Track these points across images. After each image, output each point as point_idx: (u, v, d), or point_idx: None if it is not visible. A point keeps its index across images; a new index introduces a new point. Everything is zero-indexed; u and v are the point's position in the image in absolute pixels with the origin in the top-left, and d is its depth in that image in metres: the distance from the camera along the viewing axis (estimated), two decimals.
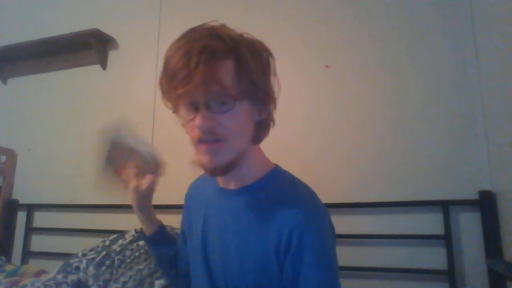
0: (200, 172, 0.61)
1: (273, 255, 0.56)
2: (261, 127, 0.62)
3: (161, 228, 0.82)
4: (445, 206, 1.24)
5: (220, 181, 0.68)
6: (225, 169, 0.59)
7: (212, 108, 0.55)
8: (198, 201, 0.74)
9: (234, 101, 0.55)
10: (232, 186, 0.65)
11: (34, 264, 1.73)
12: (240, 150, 0.59)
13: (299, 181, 0.66)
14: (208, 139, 0.56)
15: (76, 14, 2.04)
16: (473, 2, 1.30)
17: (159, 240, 0.81)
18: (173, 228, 1.49)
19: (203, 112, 0.54)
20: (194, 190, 0.80)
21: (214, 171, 0.59)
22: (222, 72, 0.53)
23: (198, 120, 0.54)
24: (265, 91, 0.59)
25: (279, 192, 0.62)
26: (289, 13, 1.59)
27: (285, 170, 0.68)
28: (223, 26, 0.58)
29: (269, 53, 0.61)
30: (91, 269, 1.26)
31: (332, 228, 0.62)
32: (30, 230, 1.90)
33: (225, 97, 0.54)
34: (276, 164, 0.69)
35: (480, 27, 1.27)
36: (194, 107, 0.55)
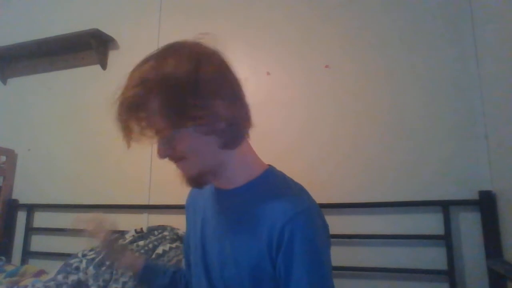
0: None
1: (266, 252, 0.57)
2: (227, 136, 0.60)
3: (147, 260, 0.86)
4: (445, 206, 1.24)
5: (216, 183, 0.69)
6: (198, 181, 0.62)
7: (161, 140, 0.59)
8: (197, 206, 0.76)
9: (166, 138, 0.57)
10: (226, 186, 0.66)
11: (34, 264, 1.73)
12: (208, 164, 0.61)
13: (292, 180, 0.67)
14: (172, 161, 0.61)
15: (76, 14, 2.04)
16: (473, 2, 1.30)
17: (152, 270, 0.83)
18: (173, 228, 1.49)
19: (157, 144, 0.60)
20: (192, 197, 0.81)
21: (188, 184, 0.63)
22: (147, 116, 0.56)
23: (156, 151, 0.60)
24: (199, 116, 0.55)
25: (271, 191, 0.62)
26: (289, 13, 1.59)
27: (278, 171, 0.69)
28: (146, 66, 0.56)
29: (201, 70, 0.55)
30: (91, 269, 1.26)
31: (325, 226, 0.62)
32: (30, 230, 1.90)
33: (158, 136, 0.58)
34: (270, 165, 0.69)
35: (480, 27, 1.27)
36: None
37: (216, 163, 0.62)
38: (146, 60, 0.57)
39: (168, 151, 0.59)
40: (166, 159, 0.61)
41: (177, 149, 0.59)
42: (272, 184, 0.64)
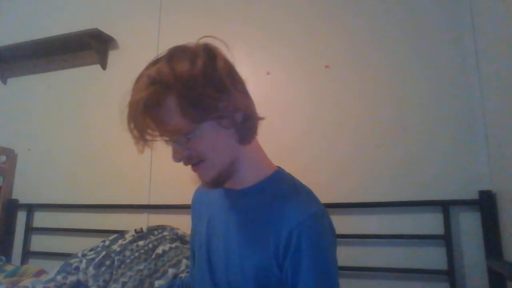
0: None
1: (272, 255, 0.57)
2: (241, 130, 0.60)
3: None
4: (445, 206, 1.24)
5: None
6: (217, 182, 0.62)
7: (179, 140, 0.57)
8: (204, 204, 0.75)
9: (187, 135, 0.56)
10: (235, 186, 0.66)
11: (34, 264, 1.73)
12: (225, 162, 0.60)
13: (300, 183, 0.66)
14: (188, 164, 0.60)
15: (76, 14, 2.04)
16: (473, 2, 1.30)
17: None
18: (173, 228, 1.49)
19: (172, 146, 0.59)
20: (199, 195, 0.81)
21: (208, 186, 0.62)
22: (164, 114, 0.54)
23: (171, 154, 0.59)
24: (220, 107, 0.55)
25: (280, 194, 0.62)
26: (289, 13, 1.59)
27: (287, 173, 0.68)
28: (158, 65, 0.55)
29: (216, 64, 0.56)
30: (91, 269, 1.26)
31: (332, 230, 0.62)
32: (30, 230, 1.90)
33: (177, 133, 0.56)
34: (279, 167, 0.69)
35: (480, 27, 1.27)
36: (167, 140, 0.58)
37: (232, 160, 0.61)
38: (155, 62, 0.56)
39: (185, 152, 0.58)
40: (179, 163, 0.60)
41: (195, 149, 0.57)
42: (281, 187, 0.63)
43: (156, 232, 1.44)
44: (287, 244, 0.55)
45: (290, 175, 0.68)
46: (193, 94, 0.53)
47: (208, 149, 0.58)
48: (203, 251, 0.69)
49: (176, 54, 0.56)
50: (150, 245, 1.33)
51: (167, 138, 0.57)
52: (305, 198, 0.62)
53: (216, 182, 0.61)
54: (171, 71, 0.53)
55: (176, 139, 0.57)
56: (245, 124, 0.60)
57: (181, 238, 1.43)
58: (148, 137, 0.56)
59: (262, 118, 0.64)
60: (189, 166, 0.61)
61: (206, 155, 0.58)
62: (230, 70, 0.58)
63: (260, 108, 0.60)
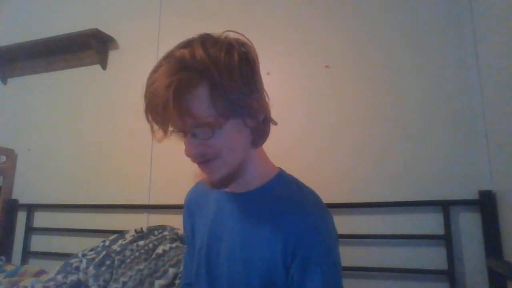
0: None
1: (279, 259, 0.56)
2: (258, 132, 0.59)
3: None
4: (445, 206, 1.24)
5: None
6: (225, 182, 0.59)
7: (198, 135, 0.53)
8: (203, 206, 0.73)
9: (213, 129, 0.52)
10: (238, 190, 0.65)
11: (34, 264, 1.73)
12: (237, 162, 0.58)
13: (303, 184, 0.66)
14: (200, 161, 0.56)
15: (76, 14, 2.04)
16: (473, 2, 1.30)
17: None
18: (173, 228, 1.49)
19: (188, 140, 0.54)
20: (196, 195, 0.77)
21: (214, 186, 0.59)
22: (194, 103, 0.49)
23: (185, 148, 0.55)
24: (249, 105, 0.53)
25: (285, 197, 0.61)
26: (289, 13, 1.59)
27: (289, 174, 0.68)
28: (192, 49, 0.50)
29: (250, 59, 0.55)
30: (91, 269, 1.26)
31: (335, 231, 0.62)
32: (30, 230, 1.90)
33: (205, 126, 0.52)
34: (280, 168, 0.68)
35: (480, 27, 1.27)
36: (183, 133, 0.55)
37: (242, 161, 0.59)
38: (185, 45, 0.52)
39: (200, 147, 0.54)
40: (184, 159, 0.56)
41: (214, 145, 0.54)
42: (286, 190, 0.63)
43: (156, 232, 1.44)
44: (297, 246, 0.55)
45: (292, 176, 0.68)
46: (228, 86, 0.49)
47: (226, 147, 0.55)
48: (203, 254, 0.67)
49: (209, 40, 0.52)
50: (150, 245, 1.33)
51: (187, 130, 0.53)
52: (311, 201, 0.62)
53: (224, 182, 0.59)
54: (207, 57, 0.49)
55: (197, 132, 0.53)
56: (264, 126, 0.59)
57: (181, 238, 1.43)
58: (170, 128, 0.52)
59: (276, 123, 0.63)
60: (191, 164, 0.59)
61: (222, 153, 0.55)
62: (260, 70, 0.58)
63: None
